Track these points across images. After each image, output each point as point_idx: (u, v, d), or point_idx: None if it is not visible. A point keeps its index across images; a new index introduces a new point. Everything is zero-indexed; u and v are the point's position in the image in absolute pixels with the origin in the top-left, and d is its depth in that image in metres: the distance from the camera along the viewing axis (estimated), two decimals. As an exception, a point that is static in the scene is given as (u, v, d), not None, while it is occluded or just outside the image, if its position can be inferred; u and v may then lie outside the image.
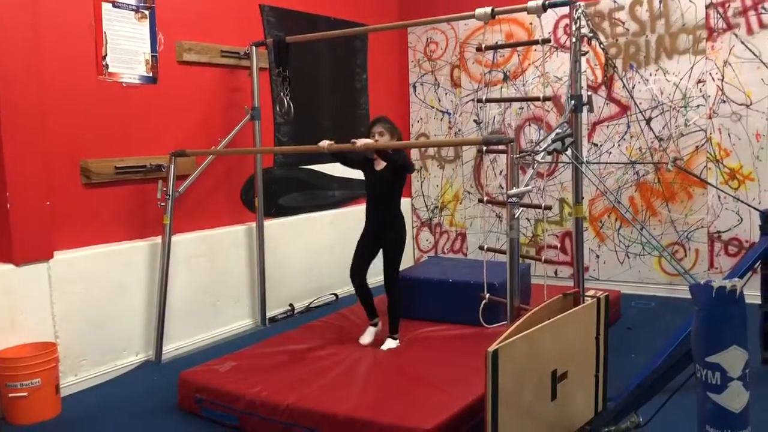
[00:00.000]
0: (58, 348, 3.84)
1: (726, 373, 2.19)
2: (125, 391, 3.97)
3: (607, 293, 3.07)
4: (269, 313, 5.30)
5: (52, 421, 3.62)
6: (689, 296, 2.32)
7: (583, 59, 3.84)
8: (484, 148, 4.42)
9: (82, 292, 4.05)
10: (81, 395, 3.94)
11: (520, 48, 6.08)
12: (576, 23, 3.66)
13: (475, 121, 6.35)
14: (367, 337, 4.21)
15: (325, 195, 6.03)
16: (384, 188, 4.11)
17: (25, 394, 3.55)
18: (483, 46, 4.56)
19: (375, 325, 4.27)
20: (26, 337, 3.77)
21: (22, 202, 3.76)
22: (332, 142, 3.97)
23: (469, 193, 6.64)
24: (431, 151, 6.85)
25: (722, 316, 2.21)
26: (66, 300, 3.96)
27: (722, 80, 5.33)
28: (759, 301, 3.80)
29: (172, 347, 4.58)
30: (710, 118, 5.41)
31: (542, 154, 3.30)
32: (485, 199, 4.77)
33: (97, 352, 4.14)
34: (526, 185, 3.19)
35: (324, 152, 3.96)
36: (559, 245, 6.16)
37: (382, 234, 4.12)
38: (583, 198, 3.89)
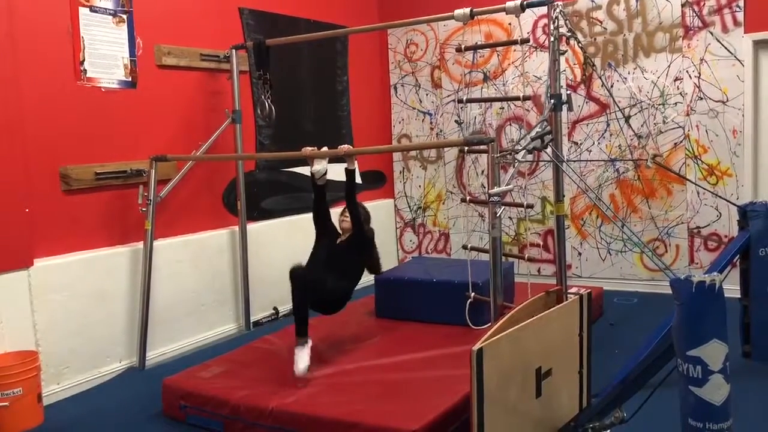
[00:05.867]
0: (40, 356, 3.80)
1: (707, 366, 2.22)
2: (109, 398, 3.94)
3: (589, 290, 3.09)
4: (253, 317, 5.27)
5: (35, 431, 3.58)
6: (671, 291, 2.35)
7: (562, 58, 3.87)
8: (466, 148, 4.44)
9: (63, 299, 4.01)
10: (64, 403, 3.90)
11: (499, 48, 6.11)
12: (554, 23, 3.69)
13: (456, 121, 6.37)
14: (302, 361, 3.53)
15: (308, 197, 5.96)
16: (339, 267, 3.80)
17: (6, 404, 3.50)
18: (463, 46, 4.59)
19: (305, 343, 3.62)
20: (7, 345, 3.72)
21: (0, 209, 3.71)
22: (314, 148, 3.97)
23: (451, 193, 6.65)
24: (413, 152, 6.86)
25: (702, 310, 2.24)
26: (47, 307, 3.92)
27: (699, 78, 5.40)
28: (738, 295, 3.85)
29: (155, 353, 4.54)
30: (688, 115, 5.48)
31: (522, 152, 3.33)
32: (468, 198, 4.80)
33: (79, 360, 4.10)
34: (508, 184, 3.22)
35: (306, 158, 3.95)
36: (541, 243, 6.20)
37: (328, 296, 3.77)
38: (564, 196, 3.92)
